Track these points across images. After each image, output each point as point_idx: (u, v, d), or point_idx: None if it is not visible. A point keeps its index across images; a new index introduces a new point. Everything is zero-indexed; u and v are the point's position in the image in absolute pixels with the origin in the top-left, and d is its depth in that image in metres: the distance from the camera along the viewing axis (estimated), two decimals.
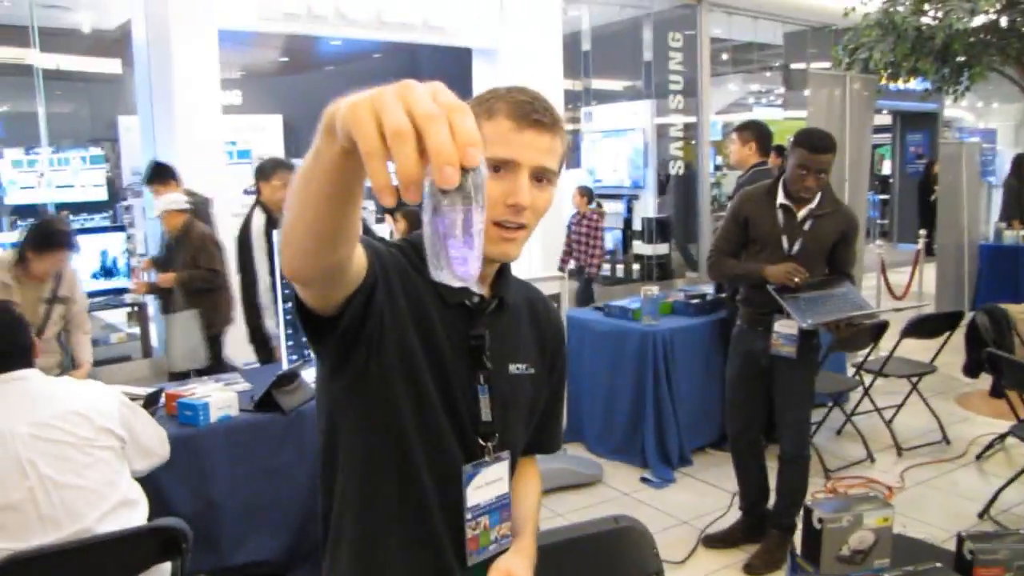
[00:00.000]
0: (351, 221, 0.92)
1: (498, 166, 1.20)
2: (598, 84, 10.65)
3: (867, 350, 4.94)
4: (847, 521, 1.57)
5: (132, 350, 6.54)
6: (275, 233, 4.05)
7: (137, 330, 6.68)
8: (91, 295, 5.46)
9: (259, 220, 4.41)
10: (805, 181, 3.21)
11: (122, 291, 6.42)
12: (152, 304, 6.45)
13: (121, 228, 7.09)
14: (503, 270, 1.36)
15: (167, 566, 2.30)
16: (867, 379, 4.93)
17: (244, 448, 3.04)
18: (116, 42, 8.47)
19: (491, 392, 1.31)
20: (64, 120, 10.16)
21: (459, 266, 0.75)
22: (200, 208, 5.18)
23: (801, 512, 1.66)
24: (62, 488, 2.16)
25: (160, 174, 5.11)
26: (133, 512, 2.34)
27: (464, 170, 0.70)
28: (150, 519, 2.44)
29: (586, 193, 7.87)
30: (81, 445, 2.21)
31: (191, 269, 4.64)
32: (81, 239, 5.10)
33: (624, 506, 4.09)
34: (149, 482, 2.53)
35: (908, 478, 4.34)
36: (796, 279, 3.23)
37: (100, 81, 10.02)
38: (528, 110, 1.20)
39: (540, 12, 7.84)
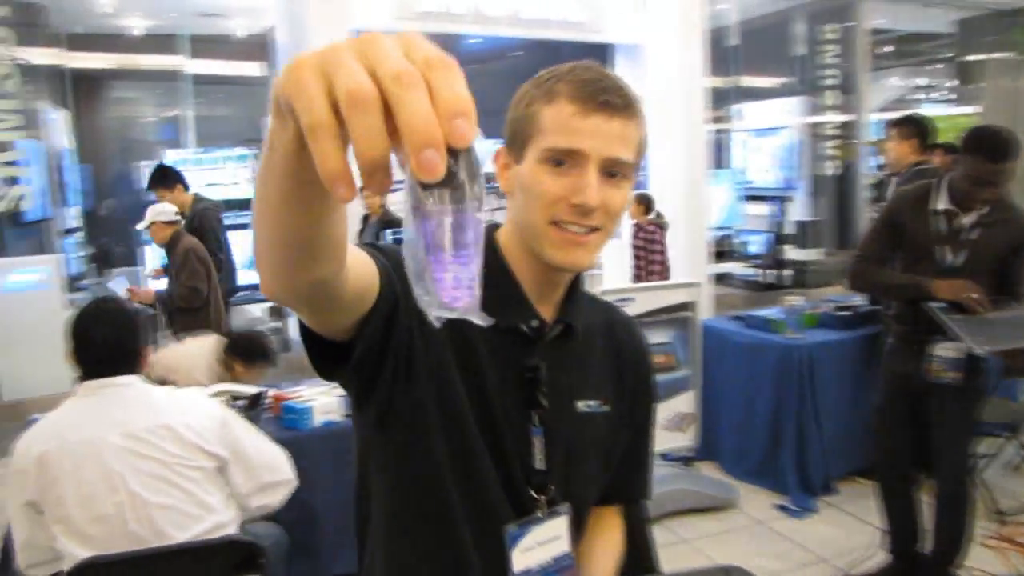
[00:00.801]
0: (328, 227, 0.69)
1: (561, 159, 0.99)
2: (746, 81, 10.14)
3: None
4: None
5: (273, 344, 6.65)
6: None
7: (278, 324, 6.82)
8: (241, 288, 5.64)
9: None
10: (980, 194, 2.75)
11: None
12: None
13: None
14: (574, 286, 1.13)
15: None
16: None
17: (347, 455, 2.92)
18: (262, 46, 8.74)
19: (548, 434, 1.08)
20: (217, 123, 10.62)
21: (449, 290, 0.54)
22: (209, 214, 5.01)
23: None
24: (149, 506, 2.08)
25: (165, 178, 4.84)
26: (229, 532, 2.24)
27: (453, 153, 0.49)
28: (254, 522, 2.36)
29: (644, 202, 7.16)
30: (170, 462, 2.11)
31: (174, 285, 4.43)
32: (233, 234, 5.27)
33: (757, 537, 3.74)
34: None
35: None
36: (973, 296, 2.80)
37: (251, 84, 10.41)
38: (594, 90, 1.00)
39: (684, 6, 7.48)
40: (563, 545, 1.12)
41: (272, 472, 2.31)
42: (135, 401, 2.18)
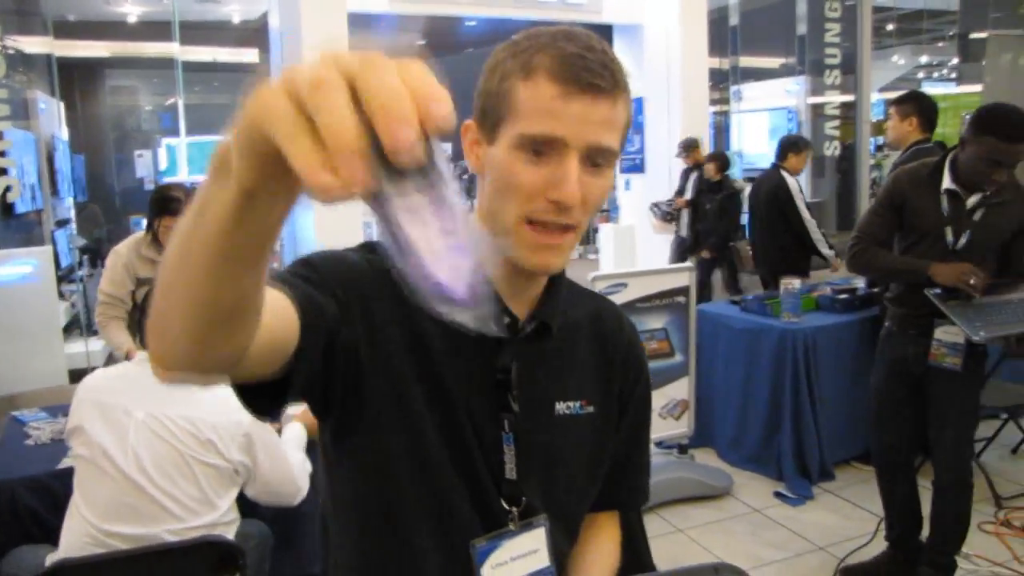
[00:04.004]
0: (255, 293, 0.63)
1: (539, 147, 0.89)
2: (747, 61, 10.01)
3: None
4: None
5: None
6: None
7: None
8: None
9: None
10: (993, 175, 2.64)
11: None
12: None
13: None
14: (553, 283, 1.04)
15: None
16: None
17: None
18: (258, 32, 8.68)
19: (519, 441, 1.00)
20: (219, 110, 10.55)
21: (453, 283, 0.47)
22: None
23: None
24: (154, 487, 2.09)
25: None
26: (223, 533, 2.21)
27: (426, 140, 0.45)
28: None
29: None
30: (184, 452, 2.12)
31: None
32: None
33: (754, 525, 3.68)
34: None
35: None
36: (972, 281, 2.72)
37: (247, 71, 10.35)
38: (579, 69, 0.88)
39: None
40: (542, 559, 1.04)
41: (283, 484, 2.34)
42: (173, 386, 2.16)
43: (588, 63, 0.88)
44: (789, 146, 5.64)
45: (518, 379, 1.00)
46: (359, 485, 0.99)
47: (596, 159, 0.91)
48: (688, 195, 6.96)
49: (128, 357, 3.35)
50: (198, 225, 0.56)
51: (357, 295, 0.91)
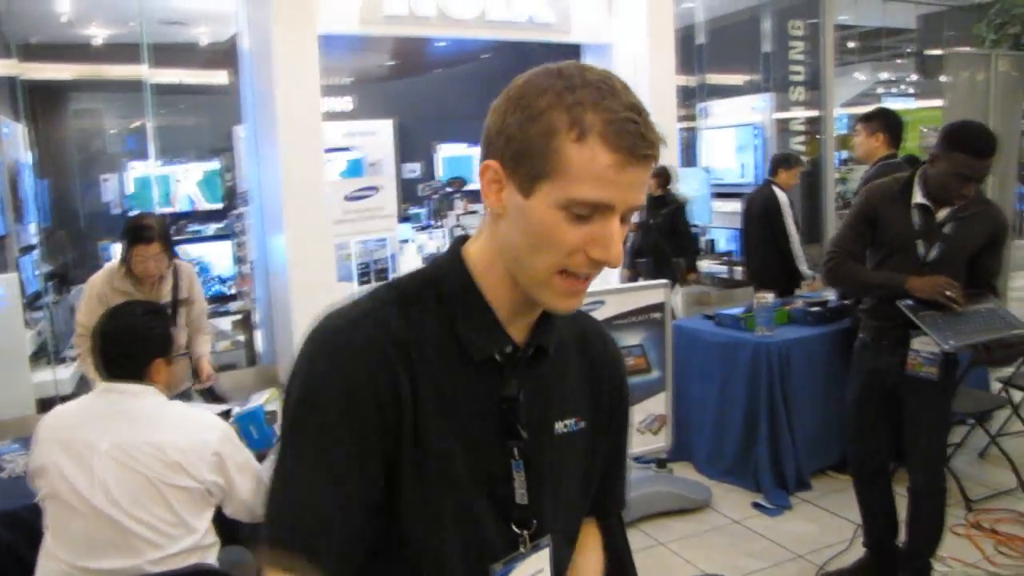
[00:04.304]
0: None
1: (585, 211, 0.90)
2: (714, 79, 10.16)
3: (1016, 363, 4.38)
4: None
5: (238, 358, 6.58)
6: None
7: (243, 337, 6.73)
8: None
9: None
10: (963, 190, 2.73)
11: (229, 298, 6.50)
12: (259, 311, 6.51)
13: (228, 237, 7.17)
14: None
15: None
16: (1017, 396, 4.36)
17: None
18: (227, 54, 8.65)
19: (528, 466, 1.02)
20: (188, 133, 10.47)
21: None
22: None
23: None
24: (127, 518, 2.07)
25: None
26: (206, 556, 2.20)
27: None
28: (221, 547, 2.31)
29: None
30: (154, 479, 2.10)
31: None
32: (192, 247, 5.11)
33: (733, 536, 3.73)
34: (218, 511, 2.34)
35: None
36: (949, 294, 2.79)
37: (216, 93, 10.28)
38: (635, 137, 0.89)
39: (652, 5, 7.49)
40: None
41: (262, 502, 2.27)
42: (136, 413, 2.19)
43: (640, 130, 0.90)
44: (780, 162, 5.88)
45: (525, 406, 1.02)
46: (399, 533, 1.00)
47: (625, 217, 0.93)
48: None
49: None
50: None
51: (378, 421, 0.94)
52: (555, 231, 0.91)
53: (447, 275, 1.02)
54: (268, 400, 2.86)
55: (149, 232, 3.43)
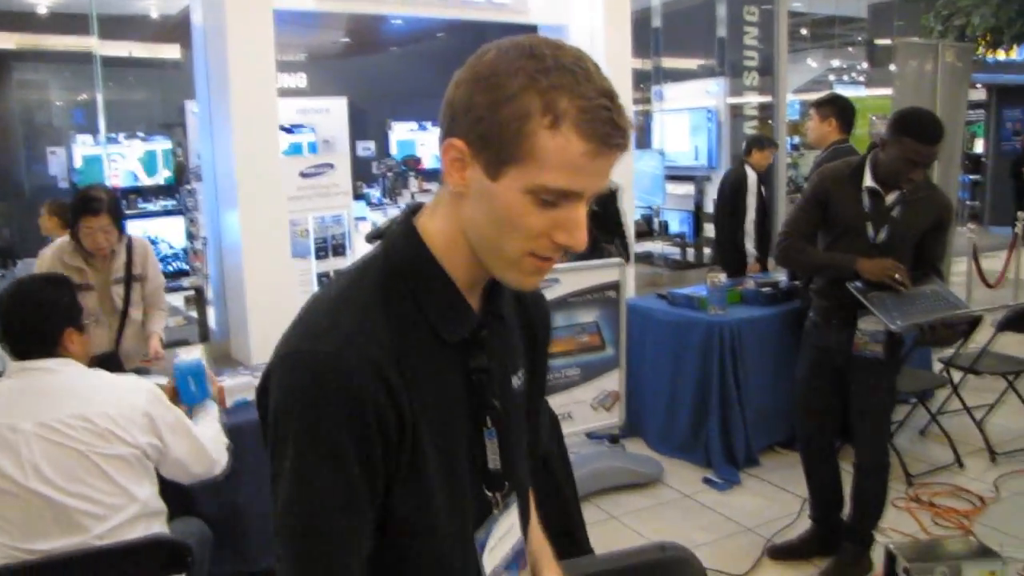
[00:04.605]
0: None
1: (554, 197, 0.90)
2: (669, 62, 10.25)
3: (957, 345, 4.53)
4: (941, 573, 1.29)
5: (190, 334, 6.52)
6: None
7: (195, 314, 6.66)
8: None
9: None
10: (911, 174, 2.83)
11: (181, 274, 6.41)
12: (212, 288, 6.44)
13: (180, 212, 7.07)
14: None
15: None
16: (956, 376, 4.52)
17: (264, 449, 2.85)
18: (178, 27, 8.48)
19: (500, 433, 1.05)
20: (137, 107, 10.25)
21: None
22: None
23: (882, 554, 1.38)
24: (65, 495, 2.02)
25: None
26: (153, 523, 2.17)
27: None
28: (175, 518, 2.30)
29: None
30: (87, 452, 2.04)
31: None
32: (142, 223, 5.03)
33: (684, 510, 3.81)
34: (173, 482, 2.32)
35: (1003, 487, 3.94)
36: (897, 276, 2.89)
37: (168, 67, 10.08)
38: (609, 127, 0.89)
39: None
40: (516, 534, 1.11)
41: (197, 460, 2.26)
42: (56, 387, 2.12)
43: (613, 117, 0.89)
44: (753, 143, 6.12)
45: (495, 377, 1.04)
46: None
47: (591, 200, 0.94)
48: None
49: None
50: None
51: (371, 435, 0.92)
52: (521, 216, 0.91)
53: (411, 262, 1.00)
54: (202, 355, 2.81)
55: (97, 204, 3.37)
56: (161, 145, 9.14)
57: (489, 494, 1.06)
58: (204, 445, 2.28)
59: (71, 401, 2.09)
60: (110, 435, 2.07)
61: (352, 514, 0.91)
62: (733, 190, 5.99)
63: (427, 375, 0.97)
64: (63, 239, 3.59)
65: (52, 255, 3.52)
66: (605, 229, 6.53)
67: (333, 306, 0.96)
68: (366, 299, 0.96)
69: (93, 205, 3.36)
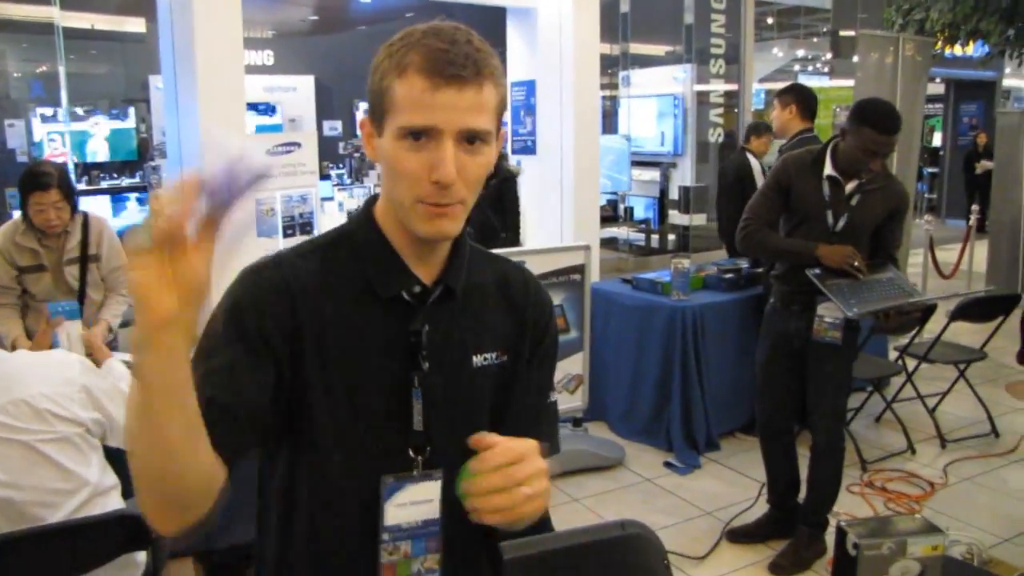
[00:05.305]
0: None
1: (417, 133, 1.01)
2: (637, 48, 10.28)
3: (912, 333, 4.65)
4: (888, 548, 1.34)
5: None
6: None
7: None
8: None
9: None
10: (870, 163, 2.91)
11: None
12: None
13: (144, 188, 6.98)
14: (456, 250, 1.16)
15: (142, 554, 2.16)
16: (911, 364, 4.64)
17: None
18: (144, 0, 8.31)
19: (427, 396, 1.12)
20: (99, 80, 10.04)
21: None
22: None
23: (834, 532, 1.43)
24: (13, 490, 1.97)
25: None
26: (108, 501, 2.14)
27: None
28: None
29: None
30: (31, 440, 2.00)
31: None
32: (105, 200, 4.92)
33: (645, 493, 3.88)
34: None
35: (952, 473, 4.07)
36: (855, 264, 2.96)
37: (132, 41, 9.88)
38: (443, 62, 1.00)
39: None
40: (433, 510, 1.14)
41: None
42: None
43: (451, 56, 1.00)
44: (752, 130, 6.10)
45: (429, 340, 1.11)
46: (290, 434, 1.11)
47: (471, 139, 1.02)
48: None
49: (15, 347, 3.19)
50: (151, 403, 0.85)
51: (275, 327, 1.06)
52: (400, 160, 1.03)
53: (359, 227, 1.15)
54: None
55: (46, 179, 3.24)
56: (129, 124, 8.99)
57: (413, 455, 1.12)
58: None
59: (5, 387, 2.03)
60: (49, 415, 2.03)
61: (230, 375, 1.03)
62: (737, 178, 5.98)
63: (353, 322, 1.09)
64: (17, 218, 3.49)
65: (5, 235, 3.37)
66: (501, 217, 6.51)
67: (284, 250, 1.14)
68: (310, 248, 1.14)
69: (42, 180, 3.23)
